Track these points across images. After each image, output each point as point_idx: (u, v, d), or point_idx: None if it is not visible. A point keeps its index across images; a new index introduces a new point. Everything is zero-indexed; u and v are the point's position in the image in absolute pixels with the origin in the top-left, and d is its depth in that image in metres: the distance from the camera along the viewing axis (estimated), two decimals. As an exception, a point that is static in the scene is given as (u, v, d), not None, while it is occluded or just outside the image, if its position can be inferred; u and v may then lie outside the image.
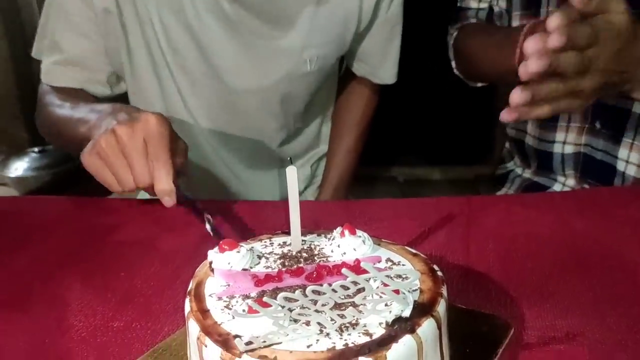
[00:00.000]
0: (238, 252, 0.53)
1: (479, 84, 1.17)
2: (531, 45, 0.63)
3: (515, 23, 1.05)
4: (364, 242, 0.54)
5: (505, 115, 0.67)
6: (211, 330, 0.44)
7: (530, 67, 0.63)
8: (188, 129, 1.03)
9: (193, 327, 0.46)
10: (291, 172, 0.52)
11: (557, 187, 1.07)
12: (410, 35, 1.13)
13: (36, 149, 2.56)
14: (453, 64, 1.17)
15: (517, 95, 0.65)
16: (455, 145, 2.75)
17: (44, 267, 0.68)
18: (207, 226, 0.71)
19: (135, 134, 0.73)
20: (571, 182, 1.05)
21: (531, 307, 0.58)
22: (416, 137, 2.81)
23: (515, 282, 0.62)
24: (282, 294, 0.45)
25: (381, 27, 1.05)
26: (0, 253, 0.74)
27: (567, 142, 1.02)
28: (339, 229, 0.55)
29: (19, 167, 2.49)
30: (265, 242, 0.58)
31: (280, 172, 1.15)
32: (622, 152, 0.95)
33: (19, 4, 2.63)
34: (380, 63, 1.11)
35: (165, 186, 0.73)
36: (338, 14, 0.99)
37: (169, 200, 0.74)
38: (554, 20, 0.62)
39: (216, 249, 0.54)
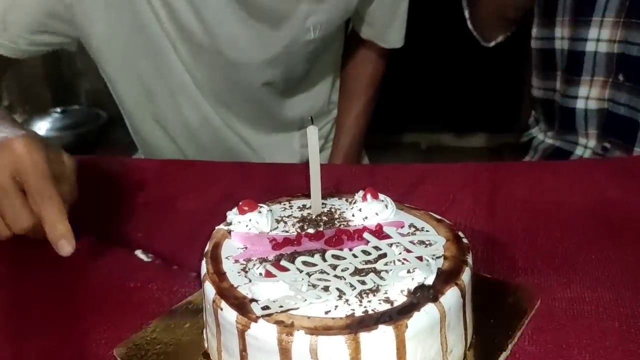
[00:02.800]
0: (259, 212, 0.51)
1: (492, 42, 1.13)
2: None
3: None
4: (386, 206, 0.52)
5: None
6: (227, 294, 0.43)
7: None
8: (194, 98, 1.02)
9: (209, 290, 0.44)
10: (312, 132, 0.50)
11: (579, 151, 1.04)
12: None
13: (59, 109, 2.57)
14: (466, 13, 1.13)
15: None
16: (481, 112, 2.70)
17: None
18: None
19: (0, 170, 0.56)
20: (592, 142, 1.02)
21: (559, 277, 0.56)
22: (440, 104, 2.75)
23: (543, 252, 0.60)
24: (300, 258, 0.43)
25: None
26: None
27: (590, 97, 1.00)
28: (360, 193, 0.53)
29: (41, 128, 2.50)
30: (284, 204, 0.56)
31: (291, 137, 1.13)
32: None
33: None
34: (388, 26, 1.07)
35: (60, 228, 0.56)
36: None
37: (66, 245, 0.56)
38: None
39: (235, 209, 0.53)
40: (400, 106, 2.54)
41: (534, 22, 1.07)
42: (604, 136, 1.00)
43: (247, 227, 0.51)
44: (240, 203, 0.52)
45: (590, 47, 0.97)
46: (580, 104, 1.01)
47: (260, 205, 0.53)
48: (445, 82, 2.68)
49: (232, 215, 0.53)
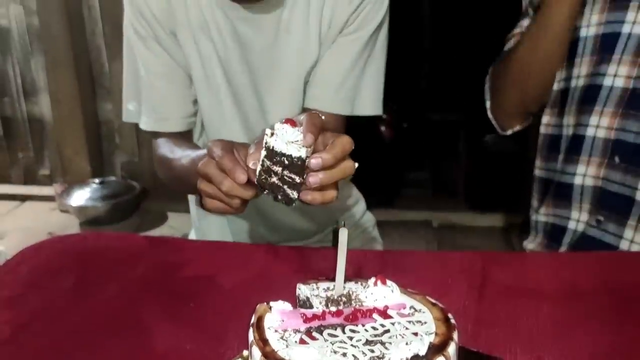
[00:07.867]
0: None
1: (509, 131, 1.25)
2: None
3: None
4: (392, 291, 0.67)
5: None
6: (270, 356, 0.57)
7: None
8: (237, 137, 1.08)
9: (256, 353, 0.59)
10: (343, 233, 0.65)
11: (572, 225, 1.15)
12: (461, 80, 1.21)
13: (97, 180, 2.77)
14: (487, 104, 1.24)
15: None
16: (490, 192, 2.84)
17: (128, 297, 0.82)
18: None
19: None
20: (585, 216, 1.13)
21: (531, 353, 0.69)
22: (451, 183, 2.89)
23: (520, 332, 0.73)
24: (327, 331, 0.58)
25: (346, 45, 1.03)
26: (92, 284, 0.87)
27: (587, 174, 1.11)
28: (372, 279, 0.68)
29: (80, 197, 2.69)
30: (312, 285, 0.71)
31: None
32: None
33: (88, 47, 2.88)
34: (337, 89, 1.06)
35: (236, 170, 0.73)
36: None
37: (239, 173, 0.73)
38: None
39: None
40: (412, 185, 2.69)
41: (544, 111, 1.21)
42: (597, 210, 1.11)
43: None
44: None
45: (590, 132, 1.10)
46: (577, 180, 1.12)
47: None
48: (458, 163, 2.83)
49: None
